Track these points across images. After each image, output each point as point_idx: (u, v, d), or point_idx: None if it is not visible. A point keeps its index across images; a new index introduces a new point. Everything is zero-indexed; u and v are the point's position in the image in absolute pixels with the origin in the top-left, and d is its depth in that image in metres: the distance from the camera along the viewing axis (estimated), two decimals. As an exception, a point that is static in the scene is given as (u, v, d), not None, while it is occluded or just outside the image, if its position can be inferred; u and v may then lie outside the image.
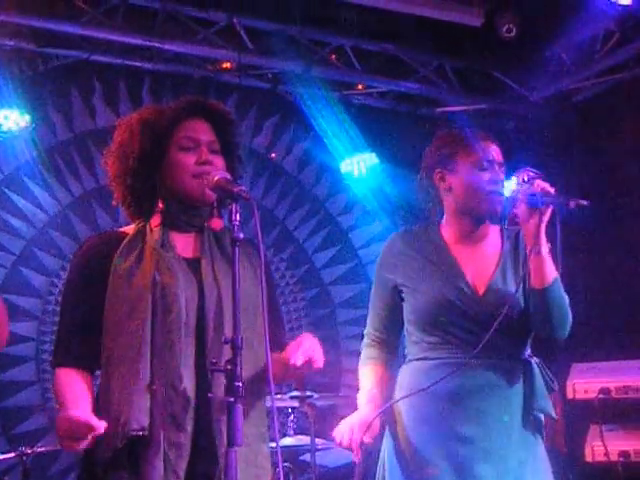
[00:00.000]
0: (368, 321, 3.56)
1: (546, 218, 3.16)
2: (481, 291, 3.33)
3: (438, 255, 3.40)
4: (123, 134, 2.95)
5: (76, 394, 2.78)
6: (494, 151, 3.40)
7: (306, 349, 2.78)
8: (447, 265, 3.37)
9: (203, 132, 2.95)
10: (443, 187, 3.41)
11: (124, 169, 2.93)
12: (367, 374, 3.48)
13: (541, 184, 3.16)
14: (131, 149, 2.91)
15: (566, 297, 3.29)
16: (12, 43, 6.49)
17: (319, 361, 2.81)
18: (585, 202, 3.11)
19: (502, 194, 3.33)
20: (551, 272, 3.22)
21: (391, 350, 3.51)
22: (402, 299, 3.43)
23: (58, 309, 6.92)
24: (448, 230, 3.44)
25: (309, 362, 2.78)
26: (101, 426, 2.58)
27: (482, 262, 3.40)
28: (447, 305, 3.30)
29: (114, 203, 3.01)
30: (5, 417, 6.77)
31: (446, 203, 3.43)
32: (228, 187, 2.74)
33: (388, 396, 3.44)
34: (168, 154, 2.92)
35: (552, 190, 3.15)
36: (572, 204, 3.11)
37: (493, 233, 3.47)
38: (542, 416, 3.37)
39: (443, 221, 3.46)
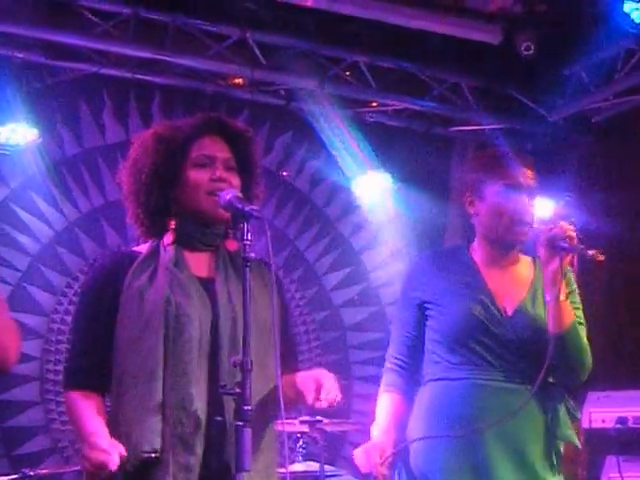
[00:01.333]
0: (390, 344, 3.48)
1: (565, 265, 3.15)
2: (509, 312, 3.29)
3: (467, 274, 3.35)
4: (137, 150, 2.93)
5: (93, 423, 2.74)
6: (523, 176, 3.34)
7: (326, 389, 2.71)
8: (476, 284, 3.32)
9: (219, 149, 2.92)
10: (472, 212, 3.40)
11: (137, 185, 2.89)
12: (385, 403, 3.41)
13: (563, 228, 3.14)
14: (145, 165, 2.88)
15: (585, 342, 3.27)
16: (21, 56, 6.41)
17: (337, 399, 2.74)
18: (602, 257, 3.10)
19: (528, 225, 3.29)
20: (569, 318, 3.21)
21: (412, 376, 3.42)
22: (426, 318, 3.36)
23: (63, 327, 6.92)
24: (478, 253, 3.41)
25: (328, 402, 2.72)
26: (115, 461, 2.56)
27: (512, 285, 3.36)
28: (474, 323, 3.24)
29: (128, 220, 2.98)
30: (7, 438, 6.67)
31: (475, 227, 3.42)
32: (239, 206, 2.69)
33: (405, 424, 3.38)
34: (182, 171, 2.88)
35: (573, 234, 3.13)
36: (589, 255, 3.10)
37: (524, 260, 3.45)
38: (562, 447, 3.29)
39: (474, 244, 3.44)
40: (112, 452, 2.58)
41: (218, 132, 2.95)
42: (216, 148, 2.91)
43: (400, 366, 3.42)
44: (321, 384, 2.71)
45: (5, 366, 2.45)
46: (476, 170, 3.41)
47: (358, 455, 3.27)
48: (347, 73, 7.19)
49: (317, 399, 2.69)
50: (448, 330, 3.28)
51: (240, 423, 2.51)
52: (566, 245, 3.11)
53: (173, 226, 2.90)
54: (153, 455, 2.64)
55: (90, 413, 2.75)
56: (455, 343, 3.27)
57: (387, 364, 3.46)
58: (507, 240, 3.33)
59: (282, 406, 2.57)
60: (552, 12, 6.61)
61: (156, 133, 2.94)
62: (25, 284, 6.81)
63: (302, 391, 2.74)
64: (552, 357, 3.12)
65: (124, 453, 2.60)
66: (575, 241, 3.12)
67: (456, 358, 3.27)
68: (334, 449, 6.90)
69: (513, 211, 3.29)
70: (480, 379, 3.24)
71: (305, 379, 2.75)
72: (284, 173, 7.72)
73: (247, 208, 2.67)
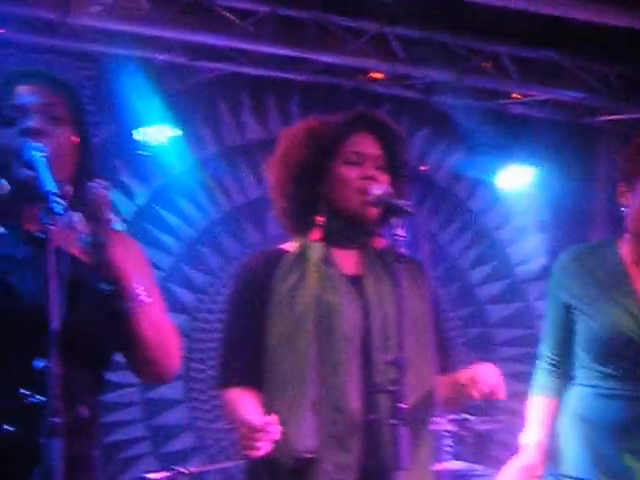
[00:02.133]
0: (543, 342, 3.33)
1: None
2: None
3: (613, 278, 3.15)
4: (287, 144, 2.91)
5: (250, 407, 2.71)
6: None
7: (489, 381, 2.64)
8: (622, 290, 3.13)
9: (369, 147, 2.87)
10: (623, 203, 3.17)
11: (286, 178, 2.88)
12: (539, 407, 3.27)
13: None
14: (295, 159, 2.87)
15: None
16: (163, 57, 6.49)
17: (502, 392, 2.66)
18: None
19: None
20: None
21: (566, 376, 3.26)
22: (573, 321, 3.20)
23: (206, 326, 6.99)
24: (627, 249, 3.19)
25: (490, 394, 2.64)
26: (277, 430, 2.51)
27: None
28: (621, 338, 3.06)
29: (273, 215, 2.97)
30: (154, 435, 6.78)
31: (625, 220, 3.19)
32: (391, 201, 2.67)
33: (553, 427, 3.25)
34: (332, 167, 2.85)
35: None
36: None
37: None
38: None
39: (623, 237, 3.21)
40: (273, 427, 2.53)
41: (369, 129, 2.90)
42: (367, 145, 2.87)
43: (553, 365, 3.28)
44: (484, 379, 2.64)
45: (169, 371, 2.44)
46: (631, 159, 3.16)
47: (508, 476, 3.17)
48: (487, 64, 7.04)
49: (481, 391, 2.63)
50: (593, 343, 3.13)
51: (396, 421, 2.44)
52: None
53: (320, 223, 2.87)
54: (308, 455, 2.62)
55: (251, 403, 2.72)
56: (601, 356, 3.11)
57: (540, 363, 3.33)
58: None
59: (436, 404, 2.56)
60: None
61: (307, 127, 2.92)
62: (169, 284, 6.88)
63: (465, 386, 2.67)
64: None
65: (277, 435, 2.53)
66: None
67: (604, 368, 3.11)
68: (482, 448, 6.78)
69: None
70: (630, 392, 3.08)
71: (468, 375, 2.68)
72: (423, 167, 7.62)
73: (399, 203, 2.63)
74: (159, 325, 2.38)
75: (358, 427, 2.65)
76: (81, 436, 2.21)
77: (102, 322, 2.31)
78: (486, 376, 2.65)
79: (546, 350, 3.30)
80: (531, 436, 3.23)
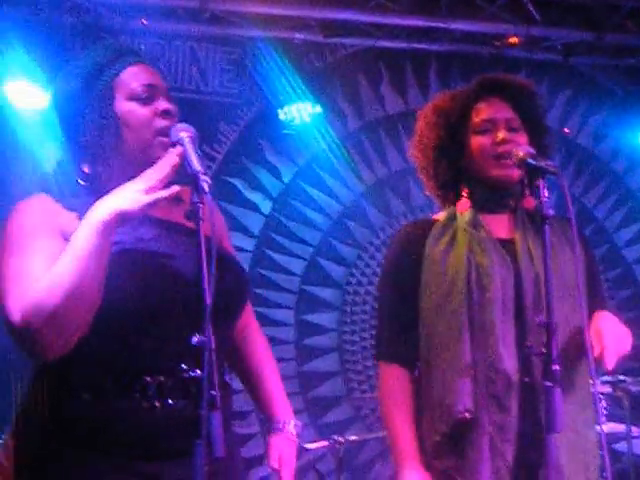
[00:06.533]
0: None
1: None
2: None
3: None
4: (421, 125, 2.94)
5: (402, 414, 2.80)
6: None
7: (607, 337, 2.58)
8: None
9: (498, 110, 2.84)
10: None
11: (426, 160, 2.92)
12: None
13: None
14: (429, 140, 2.90)
15: None
16: (301, 36, 6.60)
17: (622, 348, 2.61)
18: None
19: None
20: None
21: None
22: None
23: (357, 299, 7.06)
24: None
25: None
26: None
27: None
28: None
29: (426, 192, 3.01)
30: (312, 407, 6.89)
31: None
32: (533, 162, 2.60)
33: None
34: (466, 139, 2.86)
35: None
36: None
37: None
38: None
39: None
40: None
41: (496, 93, 2.88)
42: (495, 110, 2.84)
43: None
44: (602, 338, 2.57)
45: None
46: None
47: None
48: (626, 21, 6.88)
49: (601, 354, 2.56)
50: None
51: (549, 383, 2.42)
52: None
53: (465, 194, 2.88)
54: (467, 415, 2.62)
55: (404, 422, 2.78)
56: None
57: None
58: None
59: (592, 364, 2.46)
60: None
61: (435, 106, 2.93)
62: (318, 258, 7.01)
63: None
64: None
65: None
66: None
67: None
68: (638, 409, 6.69)
69: None
70: None
71: (593, 332, 2.62)
72: (566, 130, 7.51)
73: (541, 164, 2.57)
74: None
75: (515, 387, 2.62)
76: (226, 402, 2.28)
77: (241, 292, 2.40)
78: (606, 331, 2.59)
79: None
80: None
